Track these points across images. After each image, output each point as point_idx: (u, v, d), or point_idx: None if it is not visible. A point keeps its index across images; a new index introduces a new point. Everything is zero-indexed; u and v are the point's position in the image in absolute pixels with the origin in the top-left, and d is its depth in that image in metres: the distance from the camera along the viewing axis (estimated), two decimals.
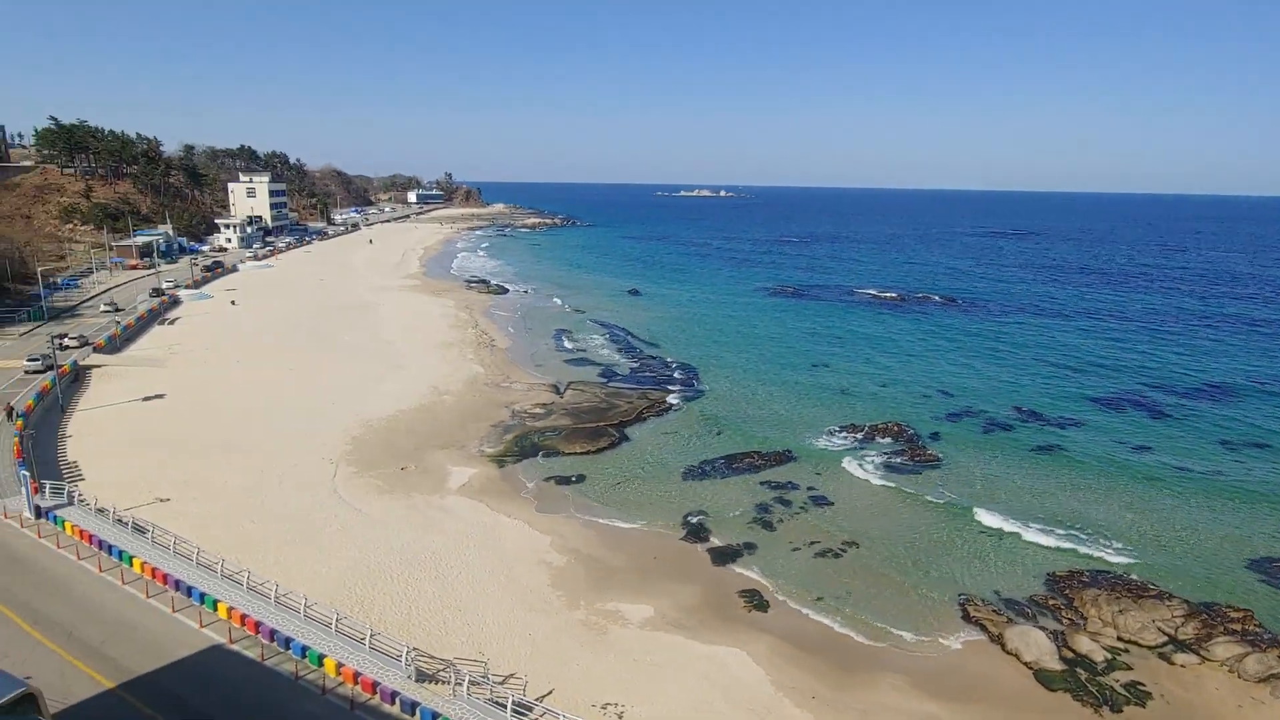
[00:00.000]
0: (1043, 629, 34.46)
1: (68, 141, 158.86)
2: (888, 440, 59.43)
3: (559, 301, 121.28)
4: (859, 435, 60.37)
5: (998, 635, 34.10)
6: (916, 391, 74.01)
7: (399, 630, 31.35)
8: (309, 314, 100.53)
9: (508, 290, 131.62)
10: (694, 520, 44.98)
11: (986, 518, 46.15)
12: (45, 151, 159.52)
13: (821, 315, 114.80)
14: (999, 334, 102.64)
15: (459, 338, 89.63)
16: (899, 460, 55.29)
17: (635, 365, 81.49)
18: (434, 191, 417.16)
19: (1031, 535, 43.93)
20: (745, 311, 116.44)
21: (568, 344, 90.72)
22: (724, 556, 40.97)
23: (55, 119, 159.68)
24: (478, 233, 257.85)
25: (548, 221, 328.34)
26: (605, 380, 74.55)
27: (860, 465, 54.22)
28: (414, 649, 28.65)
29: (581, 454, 54.74)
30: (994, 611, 36.14)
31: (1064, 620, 35.49)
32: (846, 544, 42.70)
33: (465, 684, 26.85)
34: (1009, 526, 44.95)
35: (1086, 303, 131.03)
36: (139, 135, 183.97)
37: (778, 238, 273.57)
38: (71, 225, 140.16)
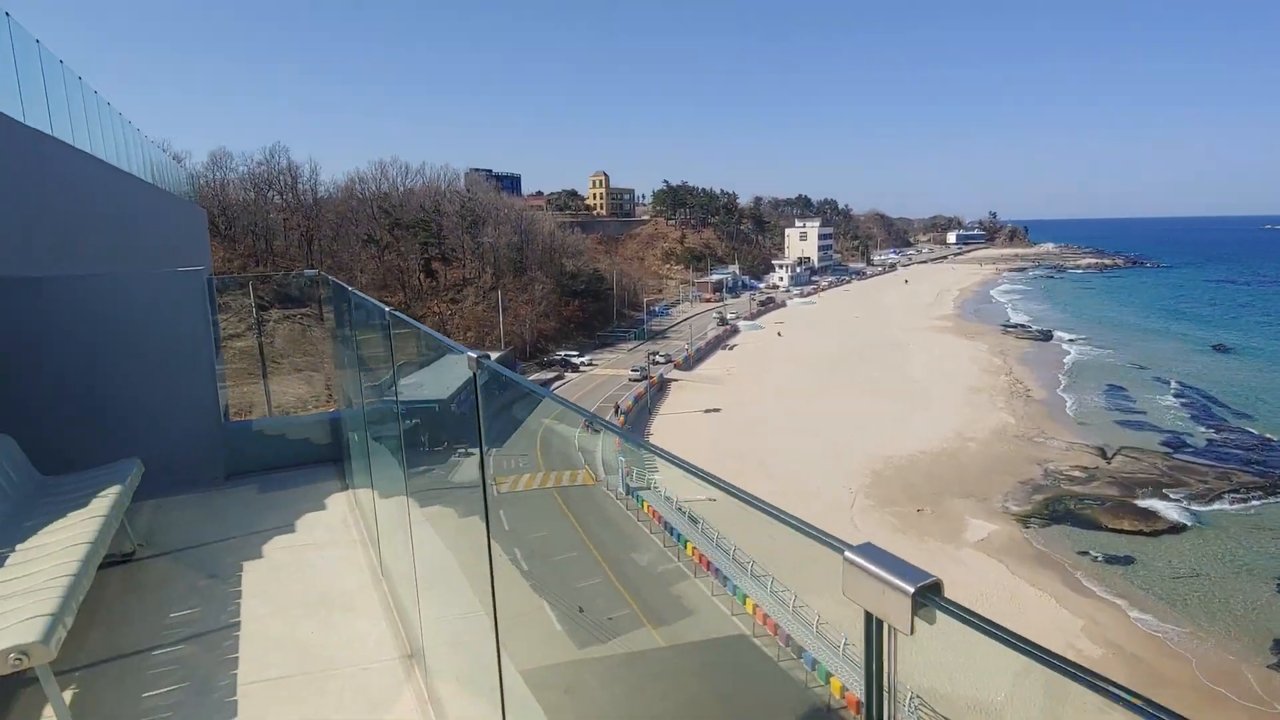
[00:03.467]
0: None
1: (673, 199, 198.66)
2: None
3: (1113, 353, 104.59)
4: None
5: None
6: None
7: (901, 675, 31.33)
8: (842, 348, 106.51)
9: (1050, 337, 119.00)
10: None
11: None
12: (657, 207, 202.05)
13: None
14: None
15: (989, 383, 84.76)
16: None
17: (1214, 436, 65.85)
18: (975, 231, 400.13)
19: None
20: None
21: (1121, 402, 77.91)
22: None
23: (667, 181, 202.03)
24: (1020, 274, 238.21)
25: (1107, 262, 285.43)
26: (1169, 450, 61.98)
27: None
28: (918, 697, 28.45)
29: (1131, 533, 46.73)
30: None
31: None
32: None
33: None
34: None
35: None
36: (721, 191, 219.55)
37: None
38: (668, 265, 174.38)
